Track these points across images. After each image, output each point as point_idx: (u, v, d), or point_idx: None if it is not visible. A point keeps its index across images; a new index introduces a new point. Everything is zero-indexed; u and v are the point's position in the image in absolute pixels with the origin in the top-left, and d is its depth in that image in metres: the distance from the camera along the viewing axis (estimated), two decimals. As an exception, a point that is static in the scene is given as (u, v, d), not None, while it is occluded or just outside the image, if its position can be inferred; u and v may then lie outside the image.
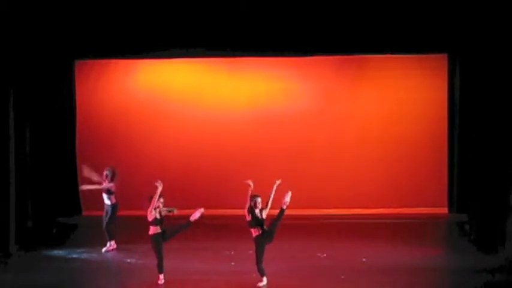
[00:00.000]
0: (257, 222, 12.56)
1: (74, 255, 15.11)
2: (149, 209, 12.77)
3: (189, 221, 12.99)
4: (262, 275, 12.49)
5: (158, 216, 12.78)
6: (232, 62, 19.46)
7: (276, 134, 19.64)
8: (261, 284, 12.45)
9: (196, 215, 13.08)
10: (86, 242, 15.94)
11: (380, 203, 19.23)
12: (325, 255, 14.17)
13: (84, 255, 15.11)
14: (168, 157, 19.71)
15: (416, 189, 19.18)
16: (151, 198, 12.81)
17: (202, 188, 19.47)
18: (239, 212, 18.92)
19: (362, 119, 19.61)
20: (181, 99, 19.89)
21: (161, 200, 12.90)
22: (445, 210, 18.86)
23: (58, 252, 15.35)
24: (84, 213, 19.19)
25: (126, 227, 16.73)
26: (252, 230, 12.60)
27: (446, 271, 13.70)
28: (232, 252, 14.82)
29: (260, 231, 12.54)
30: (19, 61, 15.87)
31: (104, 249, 15.36)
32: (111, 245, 15.45)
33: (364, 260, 14.18)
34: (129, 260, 14.61)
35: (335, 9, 16.55)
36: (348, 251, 14.54)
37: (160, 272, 12.65)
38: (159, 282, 12.60)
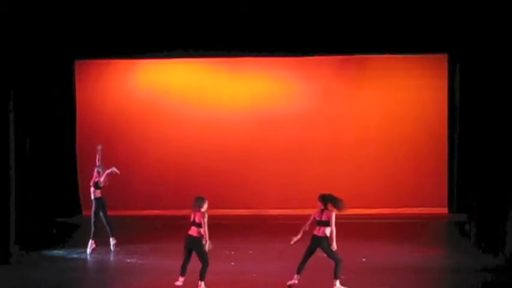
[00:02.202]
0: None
1: (74, 255, 15.11)
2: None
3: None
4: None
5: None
6: (232, 62, 19.48)
7: (276, 134, 19.66)
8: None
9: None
10: (86, 242, 15.90)
11: (380, 203, 19.24)
12: (325, 255, 14.14)
13: (84, 255, 15.10)
14: (168, 157, 19.72)
15: (416, 189, 19.20)
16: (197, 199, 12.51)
17: (203, 188, 19.44)
18: (239, 212, 19.06)
19: (362, 119, 19.63)
20: (182, 99, 19.91)
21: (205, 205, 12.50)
22: (445, 210, 18.87)
23: (58, 252, 15.35)
24: (84, 213, 19.18)
25: (126, 227, 16.74)
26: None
27: (446, 271, 13.69)
28: (232, 252, 14.82)
29: None
30: (19, 61, 15.86)
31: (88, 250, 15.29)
32: (92, 244, 15.34)
33: (364, 260, 14.17)
34: (129, 260, 14.60)
35: (335, 10, 16.55)
36: (348, 251, 14.50)
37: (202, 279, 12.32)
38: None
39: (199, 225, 12.14)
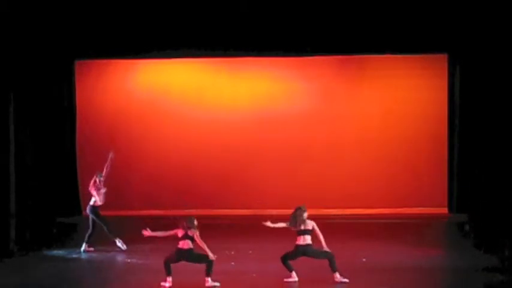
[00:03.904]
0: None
1: (74, 255, 15.10)
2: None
3: None
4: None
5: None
6: (232, 62, 19.48)
7: (276, 134, 19.65)
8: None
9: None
10: (86, 242, 15.93)
11: (380, 203, 19.24)
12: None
13: (84, 255, 15.10)
14: (168, 157, 19.72)
15: (416, 189, 19.18)
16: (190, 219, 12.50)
17: (203, 188, 19.48)
18: (239, 212, 19.05)
19: (362, 119, 19.62)
20: (182, 99, 19.90)
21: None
22: (445, 210, 18.86)
23: (58, 252, 15.34)
24: (84, 213, 19.15)
25: (126, 227, 16.72)
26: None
27: (446, 271, 13.69)
28: (232, 252, 14.82)
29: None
30: (19, 61, 15.87)
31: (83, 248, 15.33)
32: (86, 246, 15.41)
33: (364, 260, 14.17)
34: (129, 260, 14.60)
35: (335, 9, 16.56)
36: (348, 251, 14.52)
37: (208, 275, 12.40)
38: (208, 285, 12.35)
39: (192, 239, 12.28)
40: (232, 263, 13.99)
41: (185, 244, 12.34)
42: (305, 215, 12.56)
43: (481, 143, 15.92)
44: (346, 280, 12.44)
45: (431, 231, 17.53)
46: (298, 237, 12.48)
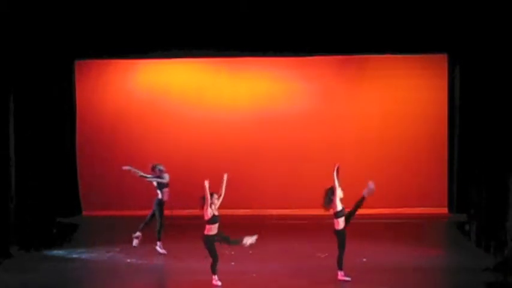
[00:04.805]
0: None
1: (74, 255, 15.10)
2: (205, 208, 12.59)
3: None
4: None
5: (216, 213, 12.65)
6: (232, 62, 19.48)
7: (276, 134, 19.65)
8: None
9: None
10: (86, 242, 15.93)
11: (380, 203, 19.20)
12: (325, 255, 14.17)
13: (84, 255, 15.11)
14: (168, 157, 19.63)
15: (416, 189, 19.18)
16: (203, 198, 12.65)
17: (202, 187, 19.44)
18: (239, 212, 19.04)
19: (362, 119, 19.62)
20: (182, 99, 19.90)
21: (215, 196, 12.77)
22: (445, 210, 18.87)
23: (58, 252, 15.34)
24: (84, 213, 19.20)
25: (126, 227, 16.70)
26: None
27: (446, 271, 13.69)
28: (232, 252, 14.81)
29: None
30: (19, 61, 15.86)
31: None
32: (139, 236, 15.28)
33: (364, 260, 14.18)
34: (129, 260, 14.60)
35: (335, 9, 16.56)
36: (348, 251, 14.53)
37: (214, 273, 12.40)
38: (214, 283, 12.38)
39: (208, 222, 12.43)
40: (232, 263, 13.99)
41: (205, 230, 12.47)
42: (336, 195, 12.78)
43: (481, 143, 15.90)
44: (348, 279, 12.45)
45: (431, 231, 17.54)
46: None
